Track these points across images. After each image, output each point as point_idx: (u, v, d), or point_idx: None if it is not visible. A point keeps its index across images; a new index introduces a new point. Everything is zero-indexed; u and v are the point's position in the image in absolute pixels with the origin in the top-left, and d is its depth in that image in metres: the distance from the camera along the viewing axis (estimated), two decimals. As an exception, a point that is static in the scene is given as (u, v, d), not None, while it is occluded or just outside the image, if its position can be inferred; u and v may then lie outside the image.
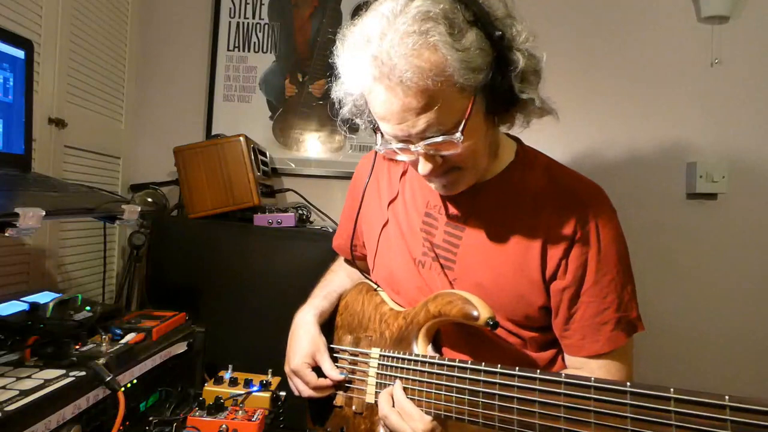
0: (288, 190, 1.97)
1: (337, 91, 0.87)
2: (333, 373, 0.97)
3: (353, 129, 0.94)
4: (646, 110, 1.89)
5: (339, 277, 1.16)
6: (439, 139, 0.75)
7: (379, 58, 0.71)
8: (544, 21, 1.89)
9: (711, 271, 1.86)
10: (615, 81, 1.91)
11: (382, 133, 0.82)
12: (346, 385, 0.99)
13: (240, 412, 0.99)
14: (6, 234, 0.78)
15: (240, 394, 1.06)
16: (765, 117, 1.84)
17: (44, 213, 0.82)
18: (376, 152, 0.98)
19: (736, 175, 1.83)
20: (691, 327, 1.85)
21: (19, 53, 1.10)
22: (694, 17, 1.88)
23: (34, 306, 1.01)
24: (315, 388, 0.98)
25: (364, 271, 1.17)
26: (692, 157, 1.86)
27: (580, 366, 0.87)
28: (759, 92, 1.84)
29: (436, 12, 0.70)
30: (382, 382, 0.91)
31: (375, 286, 1.05)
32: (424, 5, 0.70)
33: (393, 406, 0.84)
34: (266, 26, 2.03)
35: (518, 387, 0.71)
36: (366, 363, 0.96)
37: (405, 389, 0.85)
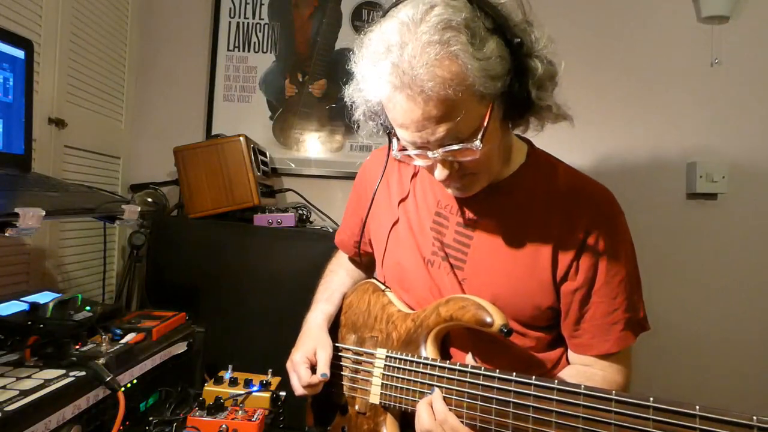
0: (288, 190, 1.97)
1: (352, 95, 0.86)
2: (320, 371, 0.95)
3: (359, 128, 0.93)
4: (646, 110, 1.89)
5: (339, 277, 1.16)
6: (458, 146, 0.75)
7: (400, 68, 0.70)
8: (541, 21, 1.88)
9: (711, 271, 1.86)
10: (615, 81, 1.91)
11: (398, 138, 0.82)
12: (349, 384, 0.99)
13: (240, 412, 0.99)
14: (6, 234, 0.78)
15: (240, 394, 1.06)
16: (765, 117, 1.84)
17: (44, 213, 0.82)
18: (388, 154, 0.98)
19: (736, 175, 1.83)
20: (691, 326, 1.85)
21: (19, 53, 1.10)
22: (694, 17, 1.88)
23: (34, 306, 1.01)
24: (306, 386, 0.96)
25: (367, 269, 1.17)
26: (692, 157, 1.86)
27: (588, 364, 0.88)
28: (759, 92, 1.84)
29: (458, 21, 0.69)
30: (388, 383, 0.91)
31: (383, 287, 1.05)
32: (445, 13, 0.69)
33: (435, 419, 0.80)
34: (266, 26, 2.03)
35: (534, 396, 0.71)
36: (371, 363, 0.95)
37: (413, 392, 0.85)
